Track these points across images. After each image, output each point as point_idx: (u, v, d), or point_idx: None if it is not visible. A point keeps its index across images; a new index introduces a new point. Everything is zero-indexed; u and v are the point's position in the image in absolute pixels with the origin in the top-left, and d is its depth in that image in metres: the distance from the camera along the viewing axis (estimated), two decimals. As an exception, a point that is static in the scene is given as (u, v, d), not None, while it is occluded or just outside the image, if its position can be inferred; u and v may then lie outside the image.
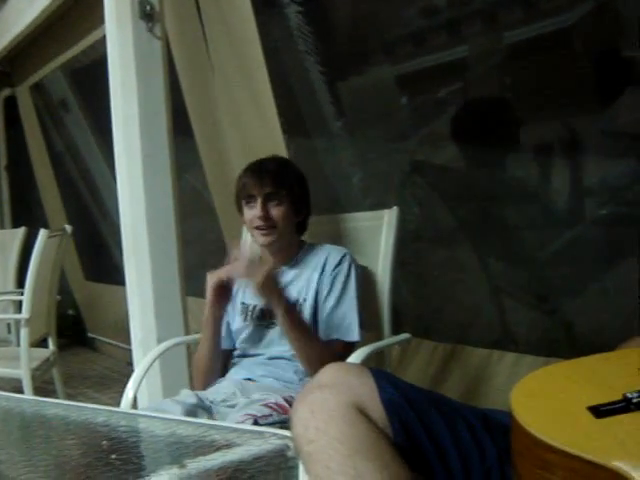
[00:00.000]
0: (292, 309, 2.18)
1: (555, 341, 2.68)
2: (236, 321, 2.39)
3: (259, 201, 2.25)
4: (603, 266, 2.50)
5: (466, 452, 1.13)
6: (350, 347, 2.21)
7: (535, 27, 2.44)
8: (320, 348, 2.15)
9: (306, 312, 2.26)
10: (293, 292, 2.29)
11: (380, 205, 2.60)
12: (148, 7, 3.11)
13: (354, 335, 2.22)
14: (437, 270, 3.12)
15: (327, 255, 2.32)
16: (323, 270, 2.30)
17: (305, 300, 2.28)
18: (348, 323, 2.23)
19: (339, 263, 2.29)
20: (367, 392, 1.14)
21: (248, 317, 2.35)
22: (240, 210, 2.36)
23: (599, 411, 0.96)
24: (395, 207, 2.48)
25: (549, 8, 2.42)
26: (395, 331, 2.48)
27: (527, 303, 2.83)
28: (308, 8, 3.06)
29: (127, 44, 3.12)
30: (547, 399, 1.05)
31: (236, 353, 2.39)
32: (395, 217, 2.47)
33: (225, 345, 2.40)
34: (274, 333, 2.29)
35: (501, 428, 1.13)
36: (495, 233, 2.84)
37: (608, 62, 2.25)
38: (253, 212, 2.26)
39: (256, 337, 2.32)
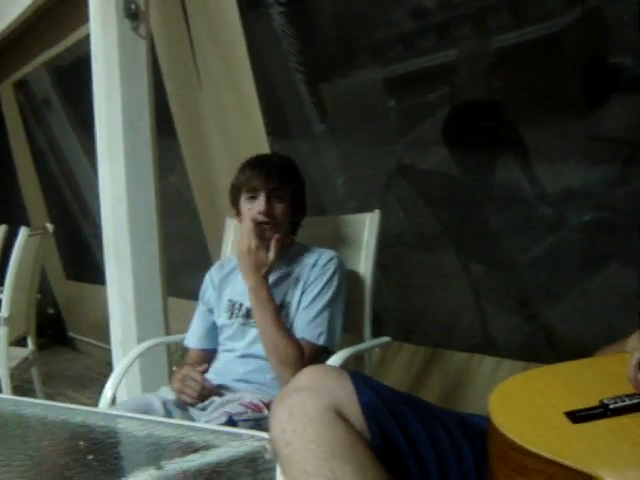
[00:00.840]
0: (263, 287, 2.17)
1: (535, 346, 2.69)
2: (222, 317, 2.36)
3: (263, 195, 2.21)
4: (584, 272, 2.51)
5: (443, 456, 1.13)
6: (319, 351, 2.17)
7: (524, 32, 2.45)
8: (287, 340, 2.12)
9: (291, 313, 2.25)
10: (280, 292, 2.28)
11: (364, 208, 2.60)
12: (133, 6, 3.11)
13: (321, 339, 2.17)
14: (419, 274, 3.12)
15: (317, 258, 2.30)
16: (309, 273, 2.28)
17: (290, 302, 2.26)
18: (317, 325, 2.19)
19: (324, 265, 2.28)
20: (345, 395, 1.14)
21: (234, 315, 2.32)
22: (235, 204, 2.32)
23: (576, 417, 0.97)
24: (377, 210, 2.48)
25: (538, 14, 2.42)
26: (376, 334, 2.48)
27: (508, 308, 2.83)
28: (292, 9, 3.06)
29: (111, 43, 3.11)
30: (525, 404, 1.05)
31: (220, 348, 2.38)
32: (377, 220, 2.47)
33: (205, 345, 2.41)
34: (256, 332, 2.27)
35: (479, 432, 1.13)
36: (477, 238, 2.84)
37: (595, 68, 2.26)
38: (256, 207, 2.21)
39: (239, 334, 2.30)
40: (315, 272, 2.27)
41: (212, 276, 2.46)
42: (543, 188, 2.59)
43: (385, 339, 2.49)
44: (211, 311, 2.44)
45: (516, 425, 0.96)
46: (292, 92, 3.23)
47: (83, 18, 3.75)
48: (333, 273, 2.27)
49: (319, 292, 2.24)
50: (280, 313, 2.21)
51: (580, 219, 2.48)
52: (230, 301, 2.36)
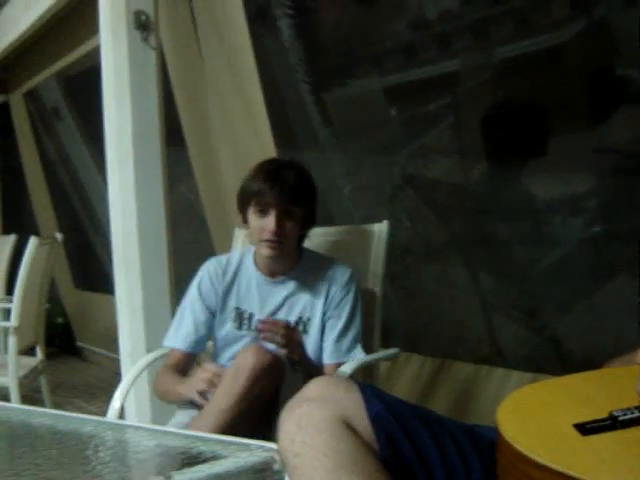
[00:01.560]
0: (307, 358, 2.17)
1: (544, 357, 2.68)
2: (227, 325, 2.31)
3: (274, 214, 2.12)
4: (592, 283, 2.51)
5: (452, 467, 1.13)
6: (340, 364, 2.20)
7: (528, 43, 2.45)
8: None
9: (312, 331, 2.23)
10: (296, 307, 2.26)
11: (371, 218, 2.60)
12: (143, 17, 3.13)
13: (355, 357, 2.20)
14: (427, 284, 3.12)
15: (333, 273, 2.28)
16: (329, 290, 2.25)
17: (309, 319, 2.24)
18: (352, 347, 2.22)
19: (347, 284, 2.26)
20: (354, 406, 1.14)
21: (244, 326, 2.29)
22: (243, 212, 2.24)
23: (585, 429, 0.96)
24: (385, 221, 2.49)
25: (542, 25, 2.43)
26: (384, 345, 2.48)
27: (516, 319, 2.83)
28: (298, 20, 3.07)
29: (121, 54, 3.13)
30: (533, 416, 1.05)
31: (220, 360, 2.32)
32: (385, 231, 2.47)
33: (194, 348, 2.32)
34: (273, 347, 2.25)
35: (488, 443, 1.13)
36: (486, 248, 2.84)
37: (601, 80, 2.26)
38: (265, 224, 2.14)
39: None
40: (338, 293, 2.25)
41: (212, 278, 2.34)
42: (551, 199, 2.59)
43: (394, 350, 2.48)
44: (212, 314, 2.34)
45: (525, 437, 0.96)
46: (299, 102, 3.24)
47: (93, 29, 3.77)
48: (356, 293, 2.27)
49: (350, 316, 2.24)
50: (296, 327, 2.21)
51: (588, 231, 2.48)
52: (237, 309, 2.31)
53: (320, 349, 2.24)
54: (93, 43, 4.53)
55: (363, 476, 1.05)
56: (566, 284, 2.58)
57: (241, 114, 3.41)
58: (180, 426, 2.05)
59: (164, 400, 2.28)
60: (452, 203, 2.96)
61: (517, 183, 2.69)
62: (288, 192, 2.13)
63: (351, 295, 2.25)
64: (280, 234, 2.14)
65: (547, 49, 2.41)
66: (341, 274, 2.27)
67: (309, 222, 2.28)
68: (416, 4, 2.82)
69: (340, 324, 2.22)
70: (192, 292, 2.36)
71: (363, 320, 2.32)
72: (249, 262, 2.34)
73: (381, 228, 2.48)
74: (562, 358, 2.63)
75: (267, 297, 2.28)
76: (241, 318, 2.30)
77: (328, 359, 2.21)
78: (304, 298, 2.27)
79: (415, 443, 1.13)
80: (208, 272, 2.36)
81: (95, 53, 4.05)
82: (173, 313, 3.21)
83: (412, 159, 3.05)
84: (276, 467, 1.22)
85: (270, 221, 2.13)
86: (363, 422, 1.12)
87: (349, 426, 1.11)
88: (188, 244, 4.33)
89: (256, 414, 1.95)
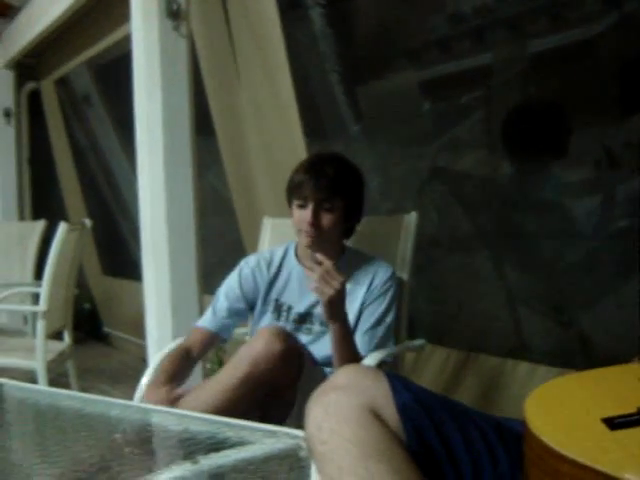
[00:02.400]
0: (347, 323, 2.12)
1: (570, 352, 2.67)
2: (266, 316, 2.34)
3: (311, 206, 2.16)
4: (620, 278, 2.49)
5: (478, 458, 1.13)
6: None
7: (560, 37, 2.44)
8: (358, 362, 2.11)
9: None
10: None
11: (397, 210, 2.61)
12: (175, 6, 3.14)
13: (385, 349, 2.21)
14: (453, 277, 3.11)
15: (376, 269, 2.29)
16: (372, 282, 2.27)
17: (347, 314, 2.25)
18: (385, 339, 2.23)
19: (389, 280, 2.27)
20: (381, 395, 1.15)
21: (282, 317, 2.31)
22: (290, 203, 2.27)
23: (613, 423, 0.96)
24: (414, 212, 2.48)
25: (575, 18, 2.41)
26: (410, 336, 2.48)
27: (543, 313, 2.82)
28: (331, 10, 3.07)
29: (153, 42, 3.15)
30: (561, 409, 1.05)
31: None
32: (414, 222, 2.47)
33: (222, 331, 2.34)
34: (310, 339, 2.27)
35: (514, 436, 1.13)
36: (513, 242, 2.83)
37: (632, 73, 2.24)
38: (303, 215, 2.17)
39: None
40: (379, 287, 2.26)
41: (255, 270, 2.37)
42: (578, 193, 2.58)
43: (420, 342, 2.48)
44: (250, 306, 2.37)
45: (552, 430, 0.96)
46: (329, 94, 3.24)
47: (124, 17, 3.80)
48: (395, 291, 2.28)
49: (386, 310, 2.25)
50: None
51: (616, 225, 2.47)
52: (277, 301, 2.34)
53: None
54: (124, 31, 4.56)
55: (390, 465, 1.05)
56: (593, 278, 2.56)
57: (271, 104, 3.42)
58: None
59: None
60: (480, 196, 2.95)
61: (545, 177, 2.67)
62: (326, 185, 2.16)
63: (391, 292, 2.27)
64: (317, 226, 2.16)
65: (579, 43, 2.40)
66: (384, 271, 2.29)
67: (353, 215, 2.30)
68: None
69: (377, 314, 2.23)
70: (232, 279, 2.39)
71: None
72: (291, 255, 2.38)
73: (410, 219, 2.48)
74: (588, 353, 2.62)
75: (306, 290, 2.29)
76: (280, 310, 2.33)
77: (361, 348, 2.20)
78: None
79: (442, 434, 1.13)
80: (250, 263, 2.40)
81: (125, 41, 4.08)
82: (200, 300, 3.24)
83: (442, 152, 3.05)
84: (302, 454, 1.23)
85: (307, 213, 2.16)
86: (390, 411, 1.13)
87: (377, 415, 1.11)
88: (216, 233, 4.35)
89: (266, 399, 1.97)
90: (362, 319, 2.25)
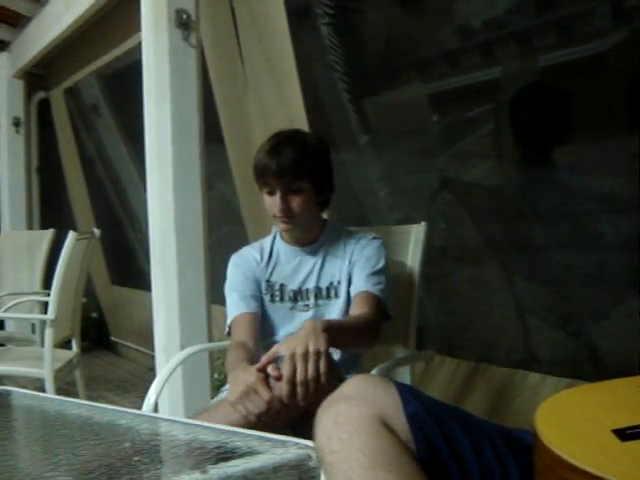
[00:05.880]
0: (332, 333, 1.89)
1: (579, 363, 2.66)
2: (264, 299, 2.31)
3: (279, 193, 2.14)
4: (630, 289, 2.49)
5: (488, 469, 1.12)
6: (380, 303, 2.17)
7: (569, 52, 2.44)
8: (362, 328, 2.07)
9: (342, 293, 2.24)
10: (327, 273, 2.27)
11: (406, 220, 2.61)
12: (184, 16, 3.15)
13: (380, 291, 2.17)
14: (462, 288, 3.11)
15: (360, 236, 2.30)
16: (354, 247, 2.27)
17: (340, 282, 2.26)
18: (375, 278, 2.19)
19: (372, 239, 2.28)
20: (391, 405, 1.14)
21: (277, 297, 2.29)
22: (259, 188, 2.24)
23: (624, 434, 0.96)
24: (423, 222, 2.48)
25: (584, 33, 2.42)
26: (418, 347, 2.47)
27: (552, 324, 2.81)
28: (340, 21, 3.08)
29: (162, 52, 3.16)
30: (572, 419, 1.05)
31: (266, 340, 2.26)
32: (423, 232, 2.47)
33: (255, 308, 2.26)
34: (310, 314, 2.24)
35: (524, 447, 1.13)
36: (522, 252, 2.83)
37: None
38: (273, 202, 2.16)
39: (287, 318, 2.27)
40: (360, 245, 2.27)
41: (250, 259, 2.35)
42: (589, 204, 2.57)
43: (429, 353, 2.48)
44: (257, 288, 2.31)
45: (563, 441, 0.96)
46: (338, 104, 3.25)
47: (133, 28, 3.82)
48: (381, 248, 2.27)
49: (372, 256, 2.24)
50: (330, 294, 2.23)
51: (626, 236, 2.46)
52: (268, 282, 2.31)
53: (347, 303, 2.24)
54: (132, 42, 4.58)
55: (399, 475, 1.05)
56: (603, 289, 2.56)
57: (279, 114, 3.43)
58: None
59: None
60: (489, 207, 2.95)
61: (554, 187, 2.67)
62: (288, 169, 2.12)
63: (376, 244, 2.27)
64: (288, 210, 2.16)
65: (589, 57, 2.40)
66: (366, 235, 2.31)
67: (323, 188, 2.28)
68: (461, 11, 2.81)
69: (368, 266, 2.21)
70: (231, 274, 2.36)
71: (399, 318, 2.34)
72: (277, 238, 2.39)
73: (419, 229, 2.48)
74: (598, 364, 2.61)
75: (297, 267, 2.31)
76: (272, 290, 2.31)
77: (358, 288, 2.19)
78: (333, 263, 2.28)
79: (452, 444, 1.13)
80: (239, 253, 2.41)
81: (134, 51, 4.10)
82: (208, 310, 3.24)
83: (451, 163, 3.05)
84: (312, 464, 1.23)
85: (276, 200, 2.15)
86: (400, 421, 1.12)
87: (386, 425, 1.11)
88: (225, 242, 4.36)
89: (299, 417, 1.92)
90: (354, 273, 2.23)
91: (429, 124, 3.09)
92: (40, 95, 6.90)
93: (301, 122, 3.29)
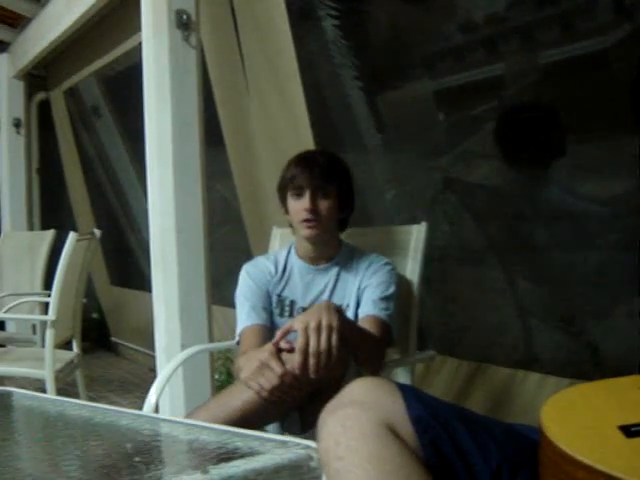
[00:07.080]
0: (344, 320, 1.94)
1: (580, 363, 2.66)
2: (273, 314, 2.33)
3: (308, 193, 2.21)
4: (631, 289, 2.48)
5: (495, 468, 1.11)
6: (386, 328, 2.16)
7: (572, 48, 2.44)
8: (369, 340, 2.07)
9: (350, 317, 2.24)
10: (338, 294, 2.29)
11: (411, 221, 2.60)
12: (184, 17, 3.15)
13: (386, 317, 2.17)
14: (464, 288, 3.11)
15: (371, 260, 2.32)
16: (365, 271, 2.29)
17: (348, 306, 2.27)
18: (383, 304, 2.20)
19: (384, 265, 2.30)
20: (397, 410, 1.13)
21: (286, 312, 2.31)
22: (283, 202, 2.32)
23: (630, 431, 0.96)
24: (424, 222, 2.48)
25: (587, 30, 2.42)
26: (420, 347, 2.47)
27: (553, 324, 2.81)
28: (345, 22, 3.07)
29: (163, 53, 3.15)
30: (578, 416, 1.05)
31: None
32: (424, 232, 2.47)
33: (268, 321, 2.29)
34: None
35: (529, 443, 1.13)
36: (524, 253, 2.82)
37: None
38: (301, 204, 2.22)
39: (294, 334, 2.24)
40: (371, 270, 2.28)
41: (264, 270, 2.37)
42: (590, 204, 2.57)
43: (430, 353, 2.48)
44: (268, 299, 2.33)
45: (569, 437, 0.96)
46: (343, 104, 3.24)
47: (133, 29, 3.81)
48: (391, 273, 2.29)
49: (383, 282, 2.25)
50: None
51: (628, 236, 2.46)
52: (279, 296, 2.34)
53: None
54: (132, 42, 4.58)
55: None
56: (604, 289, 2.56)
57: (281, 114, 3.42)
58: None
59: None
60: (491, 207, 2.95)
61: (556, 187, 2.67)
62: (319, 172, 2.22)
63: (387, 269, 2.28)
64: (316, 211, 2.21)
65: (591, 54, 2.40)
66: (378, 259, 2.32)
67: (346, 204, 2.33)
68: (463, 6, 2.81)
69: (378, 291, 2.23)
70: (243, 283, 2.38)
71: (399, 318, 2.33)
72: (292, 253, 2.40)
73: (420, 230, 2.48)
74: (599, 364, 2.61)
75: (309, 285, 2.33)
76: (282, 305, 2.33)
77: (365, 312, 2.20)
78: (344, 286, 2.31)
79: (457, 445, 1.12)
80: (253, 263, 2.43)
81: (134, 52, 4.09)
82: (209, 310, 3.24)
83: (455, 163, 3.04)
84: (313, 464, 1.22)
85: (305, 201, 2.21)
86: (406, 426, 1.11)
87: (393, 431, 1.10)
88: (225, 243, 4.36)
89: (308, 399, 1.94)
90: (363, 299, 2.25)
91: (435, 123, 3.08)
92: (40, 96, 6.89)
93: (303, 123, 3.29)
